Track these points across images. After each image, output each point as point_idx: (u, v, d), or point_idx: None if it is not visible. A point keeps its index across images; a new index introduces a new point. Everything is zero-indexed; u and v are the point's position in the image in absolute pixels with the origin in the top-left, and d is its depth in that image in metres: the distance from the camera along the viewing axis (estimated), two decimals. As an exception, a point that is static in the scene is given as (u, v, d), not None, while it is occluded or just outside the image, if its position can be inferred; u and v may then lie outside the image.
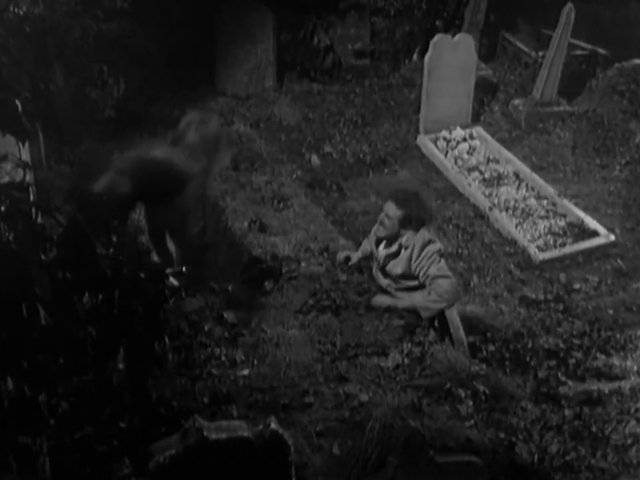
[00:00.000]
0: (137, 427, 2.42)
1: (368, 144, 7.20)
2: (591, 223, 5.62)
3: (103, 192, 4.17)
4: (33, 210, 1.60)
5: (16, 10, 4.72)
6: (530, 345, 3.87)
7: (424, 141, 7.11)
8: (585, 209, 5.79)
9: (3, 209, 1.56)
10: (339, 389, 3.48)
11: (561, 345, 3.91)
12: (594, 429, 3.28)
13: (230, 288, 4.66)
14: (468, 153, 6.92)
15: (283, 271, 4.84)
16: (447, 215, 5.93)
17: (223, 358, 3.73)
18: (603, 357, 3.88)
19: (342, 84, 8.56)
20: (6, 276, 1.48)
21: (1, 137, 2.11)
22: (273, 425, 2.45)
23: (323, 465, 2.95)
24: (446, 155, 6.89)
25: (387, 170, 6.76)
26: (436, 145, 7.03)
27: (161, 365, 2.02)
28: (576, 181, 6.45)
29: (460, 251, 5.39)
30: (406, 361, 3.67)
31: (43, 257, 1.56)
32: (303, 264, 4.90)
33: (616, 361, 3.86)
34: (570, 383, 3.67)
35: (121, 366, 2.77)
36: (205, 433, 2.38)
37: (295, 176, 6.56)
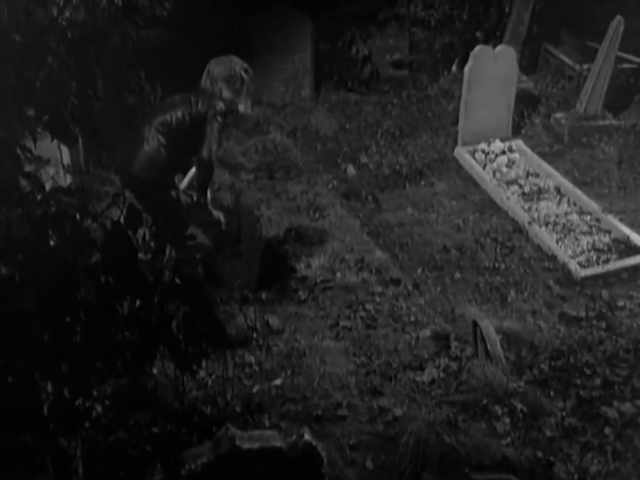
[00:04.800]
0: (170, 433, 2.42)
1: (405, 155, 7.15)
2: (638, 239, 5.47)
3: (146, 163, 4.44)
4: (78, 215, 1.61)
5: (62, 16, 4.82)
6: (571, 363, 3.77)
7: (462, 153, 7.02)
8: (631, 225, 5.64)
9: (52, 213, 1.57)
10: (373, 402, 3.44)
11: (603, 363, 3.81)
12: (638, 449, 3.17)
13: (263, 296, 4.67)
14: (507, 166, 6.81)
15: (318, 281, 4.82)
16: (485, 229, 5.83)
17: (256, 367, 3.72)
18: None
19: (379, 94, 8.54)
20: (52, 280, 1.49)
21: (43, 142, 2.14)
22: (307, 436, 2.42)
23: (356, 478, 2.91)
24: (484, 168, 6.79)
25: (424, 182, 6.69)
26: (474, 157, 6.94)
27: (195, 372, 2.02)
28: (621, 197, 6.27)
29: (497, 265, 5.29)
30: (442, 375, 3.61)
31: (87, 261, 1.57)
32: (338, 275, 4.88)
33: (662, 381, 3.74)
34: (613, 402, 3.57)
35: (155, 371, 2.78)
36: (237, 442, 2.36)
37: (330, 186, 6.55)
